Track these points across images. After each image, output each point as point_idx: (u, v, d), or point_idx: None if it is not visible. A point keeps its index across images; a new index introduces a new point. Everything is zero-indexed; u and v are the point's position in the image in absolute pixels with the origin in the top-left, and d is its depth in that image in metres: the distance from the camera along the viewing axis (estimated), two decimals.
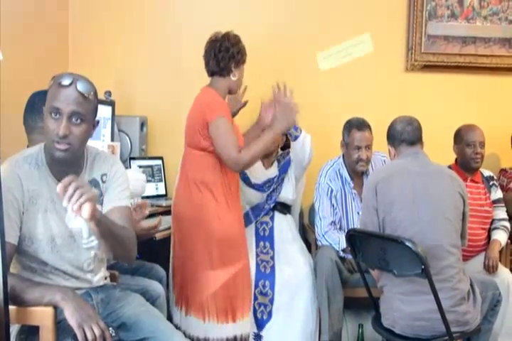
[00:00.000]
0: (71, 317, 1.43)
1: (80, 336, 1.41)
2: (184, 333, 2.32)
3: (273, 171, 2.86)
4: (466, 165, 2.84)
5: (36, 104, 2.03)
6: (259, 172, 2.83)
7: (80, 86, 1.55)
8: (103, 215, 1.55)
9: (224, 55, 2.35)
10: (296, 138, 2.78)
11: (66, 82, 1.54)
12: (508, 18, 3.26)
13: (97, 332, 1.42)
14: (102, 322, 1.46)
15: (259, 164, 2.81)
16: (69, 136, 1.54)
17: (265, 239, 2.79)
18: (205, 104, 2.31)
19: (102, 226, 1.50)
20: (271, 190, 2.83)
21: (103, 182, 1.73)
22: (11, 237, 1.53)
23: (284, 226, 2.84)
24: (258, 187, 2.83)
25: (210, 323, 2.32)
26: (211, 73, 2.41)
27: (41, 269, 1.62)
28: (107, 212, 1.68)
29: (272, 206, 2.83)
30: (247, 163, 2.25)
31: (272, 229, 2.82)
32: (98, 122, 1.69)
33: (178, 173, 2.47)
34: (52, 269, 1.63)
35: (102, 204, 1.73)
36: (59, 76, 1.57)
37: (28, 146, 1.93)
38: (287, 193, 2.85)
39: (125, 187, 1.76)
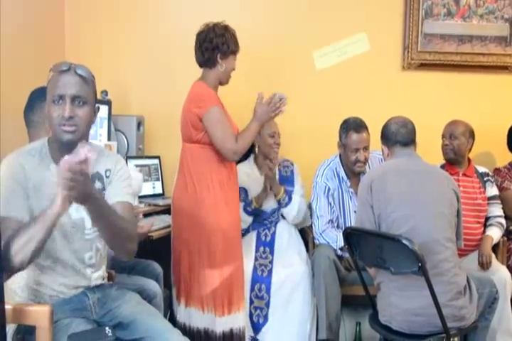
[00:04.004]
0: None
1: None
2: (184, 325, 2.36)
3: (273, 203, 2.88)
4: (443, 157, 2.90)
5: (35, 100, 2.06)
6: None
7: (79, 70, 1.59)
8: (101, 197, 1.55)
9: (207, 45, 2.35)
10: (286, 205, 2.82)
11: (64, 67, 1.58)
12: (504, 16, 3.27)
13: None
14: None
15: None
16: (74, 118, 1.57)
17: (266, 244, 2.80)
18: (194, 98, 2.32)
19: (97, 206, 1.49)
20: (275, 217, 2.87)
21: (106, 177, 1.74)
22: (20, 213, 1.53)
23: (287, 232, 2.86)
24: (263, 214, 2.86)
25: (209, 315, 2.34)
26: (199, 64, 2.43)
27: (40, 264, 1.62)
28: (113, 205, 1.68)
29: (274, 222, 2.88)
30: (243, 152, 2.34)
31: (273, 235, 2.84)
32: (98, 108, 1.71)
33: (177, 170, 2.48)
34: (52, 263, 1.63)
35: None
36: (56, 65, 1.61)
37: (29, 142, 1.94)
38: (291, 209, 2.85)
39: (128, 184, 1.78)
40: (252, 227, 2.86)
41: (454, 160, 2.87)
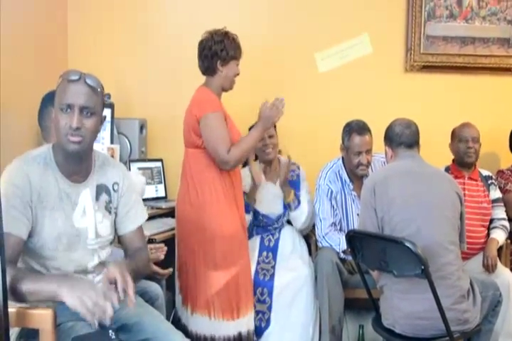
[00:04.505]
0: (68, 300, 1.37)
1: (82, 311, 1.35)
2: (191, 332, 2.35)
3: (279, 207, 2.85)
4: (460, 161, 2.88)
5: (44, 105, 2.09)
6: (269, 202, 2.82)
7: (89, 80, 1.59)
8: (130, 270, 1.56)
9: (206, 53, 2.34)
10: (295, 208, 2.81)
11: (75, 77, 1.58)
12: (506, 18, 3.26)
13: (94, 299, 1.36)
14: (99, 294, 1.39)
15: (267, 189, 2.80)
16: (81, 129, 1.57)
17: (269, 249, 2.79)
18: (195, 102, 2.32)
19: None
20: (279, 224, 2.85)
21: (114, 191, 1.76)
22: (21, 231, 1.53)
23: (291, 239, 2.84)
24: (268, 220, 2.84)
25: (216, 320, 2.33)
26: (202, 73, 2.42)
27: (42, 273, 1.62)
28: (127, 234, 1.76)
29: (279, 228, 2.87)
30: (237, 161, 2.29)
31: (277, 241, 2.83)
32: (105, 117, 1.72)
33: (180, 174, 2.47)
34: (54, 272, 1.63)
35: (110, 211, 1.75)
36: (66, 73, 1.60)
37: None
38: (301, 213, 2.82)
39: (138, 201, 1.83)
40: (256, 232, 2.85)
41: (473, 163, 2.86)
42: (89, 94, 1.59)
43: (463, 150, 2.85)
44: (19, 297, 1.44)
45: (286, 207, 2.83)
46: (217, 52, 2.33)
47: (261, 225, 2.84)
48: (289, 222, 2.91)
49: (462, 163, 2.87)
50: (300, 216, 2.80)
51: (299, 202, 2.81)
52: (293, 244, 2.83)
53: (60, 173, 1.64)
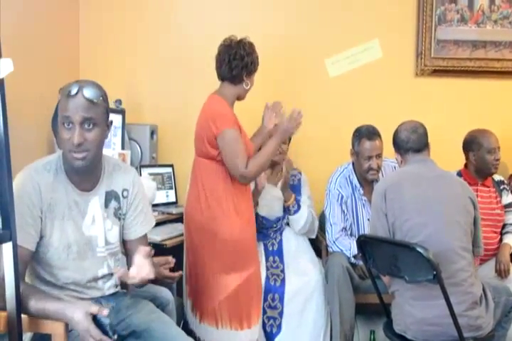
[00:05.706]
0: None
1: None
2: (199, 338, 2.35)
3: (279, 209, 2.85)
4: (484, 171, 2.80)
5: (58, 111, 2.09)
6: (269, 204, 2.82)
7: (87, 93, 1.57)
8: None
9: (238, 63, 2.32)
10: (294, 212, 2.80)
11: (72, 91, 1.57)
12: None
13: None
14: (95, 330, 1.41)
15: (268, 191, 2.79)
16: (84, 143, 1.57)
17: (274, 253, 2.79)
18: (210, 117, 2.29)
19: None
20: (278, 226, 2.85)
21: (124, 197, 1.76)
22: (29, 243, 1.55)
23: (293, 238, 2.84)
24: (267, 222, 2.84)
25: (224, 330, 2.32)
26: (222, 78, 2.39)
27: (51, 283, 1.64)
28: (133, 241, 1.77)
29: (279, 231, 2.86)
30: (254, 176, 2.35)
31: (280, 243, 2.82)
32: (112, 122, 1.71)
33: (189, 181, 2.48)
34: (63, 284, 1.64)
35: (119, 218, 1.76)
36: (65, 87, 1.60)
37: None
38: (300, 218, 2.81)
39: (147, 207, 1.84)
40: (257, 239, 2.84)
41: (495, 173, 2.81)
42: (88, 106, 1.57)
43: (491, 161, 2.76)
44: (28, 314, 1.47)
45: (286, 210, 2.83)
46: (248, 64, 2.33)
47: (260, 227, 2.81)
48: (288, 225, 2.90)
49: (485, 173, 2.81)
50: (298, 220, 2.80)
51: (298, 207, 2.80)
52: (297, 243, 2.83)
53: (70, 182, 1.65)
